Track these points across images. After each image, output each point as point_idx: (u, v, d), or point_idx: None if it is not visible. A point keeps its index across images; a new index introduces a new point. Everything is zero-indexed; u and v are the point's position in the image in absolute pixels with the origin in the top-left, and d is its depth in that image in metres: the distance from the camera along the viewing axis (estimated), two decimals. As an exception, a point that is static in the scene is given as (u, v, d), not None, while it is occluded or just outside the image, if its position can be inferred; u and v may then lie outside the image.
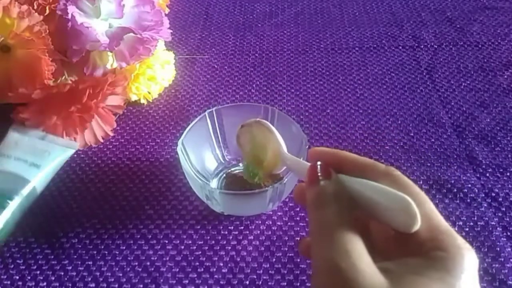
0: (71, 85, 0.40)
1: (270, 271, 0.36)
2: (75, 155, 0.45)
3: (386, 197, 0.23)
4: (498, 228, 0.39)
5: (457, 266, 0.21)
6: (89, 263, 0.37)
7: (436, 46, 0.60)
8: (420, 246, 0.22)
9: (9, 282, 0.36)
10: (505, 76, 0.56)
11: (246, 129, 0.36)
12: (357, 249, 0.21)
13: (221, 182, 0.42)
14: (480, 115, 0.50)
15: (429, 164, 0.45)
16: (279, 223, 0.40)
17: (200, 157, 0.41)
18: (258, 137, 0.35)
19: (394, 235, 0.23)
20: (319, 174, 0.25)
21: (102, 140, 0.44)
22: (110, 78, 0.42)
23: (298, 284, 0.36)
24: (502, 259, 0.37)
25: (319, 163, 0.26)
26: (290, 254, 0.37)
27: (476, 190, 0.42)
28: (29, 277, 0.36)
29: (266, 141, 0.34)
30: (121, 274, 0.36)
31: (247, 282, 0.36)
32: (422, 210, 0.22)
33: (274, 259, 0.37)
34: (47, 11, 0.45)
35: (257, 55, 0.59)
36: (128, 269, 0.36)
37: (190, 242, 0.38)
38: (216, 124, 0.41)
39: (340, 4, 0.69)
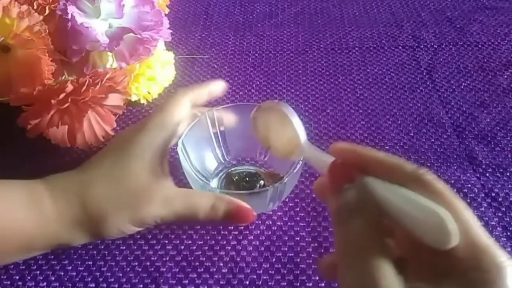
0: (72, 81, 0.40)
1: (270, 271, 0.36)
2: (75, 155, 0.45)
3: (416, 209, 0.21)
4: (498, 228, 0.39)
5: None
6: (89, 263, 0.37)
7: (436, 46, 0.60)
8: (457, 265, 0.20)
9: (9, 282, 0.36)
10: (505, 76, 0.56)
11: (263, 112, 0.34)
12: (387, 276, 0.20)
13: (221, 182, 0.42)
14: (480, 115, 0.51)
15: (429, 164, 0.45)
16: (279, 223, 0.40)
17: (200, 157, 0.41)
18: (273, 122, 0.33)
19: (427, 250, 0.21)
20: (340, 178, 0.23)
21: (102, 140, 0.44)
22: (110, 72, 0.42)
23: (298, 284, 0.36)
24: (502, 259, 0.37)
25: (340, 163, 0.24)
26: (290, 254, 0.37)
27: (476, 190, 0.42)
28: (29, 277, 0.36)
29: (283, 127, 0.32)
30: (121, 274, 0.36)
31: (247, 282, 0.36)
32: (459, 224, 0.20)
33: (274, 259, 0.37)
34: (47, 11, 0.45)
35: (257, 55, 0.59)
36: (128, 269, 0.36)
37: (190, 242, 0.38)
38: (216, 124, 0.41)
39: (340, 4, 0.69)
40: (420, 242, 0.21)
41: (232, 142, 0.42)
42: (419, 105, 0.52)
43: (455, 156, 0.46)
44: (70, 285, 0.36)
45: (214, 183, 0.41)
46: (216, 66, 0.57)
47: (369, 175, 0.23)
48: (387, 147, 0.47)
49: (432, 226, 0.20)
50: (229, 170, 0.43)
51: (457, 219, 0.20)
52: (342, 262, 0.21)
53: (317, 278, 0.36)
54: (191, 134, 0.39)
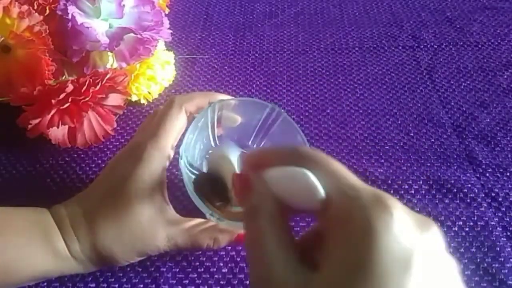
0: (72, 81, 0.40)
1: (270, 271, 0.36)
2: (75, 155, 0.45)
3: (290, 181, 0.23)
4: (498, 228, 0.39)
5: (361, 241, 0.19)
6: (89, 263, 0.37)
7: (436, 46, 0.60)
8: (335, 224, 0.21)
9: (9, 282, 0.36)
10: (505, 76, 0.56)
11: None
12: (281, 267, 0.21)
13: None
14: (480, 115, 0.51)
15: (429, 164, 0.45)
16: (279, 223, 0.40)
17: (193, 152, 0.38)
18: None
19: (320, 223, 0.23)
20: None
21: (102, 139, 0.44)
22: (110, 72, 0.42)
23: (298, 284, 0.36)
24: (502, 259, 0.37)
25: (237, 174, 0.26)
26: (290, 254, 0.37)
27: (476, 190, 0.42)
28: (29, 277, 0.36)
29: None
30: (121, 274, 0.36)
31: (247, 282, 0.36)
32: (328, 178, 0.22)
33: (274, 259, 0.37)
34: (47, 11, 0.45)
35: (257, 55, 0.59)
36: (129, 268, 0.36)
37: (190, 242, 0.38)
38: (215, 121, 0.38)
39: (340, 4, 0.69)
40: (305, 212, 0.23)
41: (226, 129, 0.39)
42: (419, 105, 0.52)
43: (455, 156, 0.46)
44: (70, 285, 0.36)
45: (203, 170, 0.38)
46: (216, 66, 0.57)
47: (267, 171, 0.25)
48: (387, 147, 0.47)
49: (302, 188, 0.22)
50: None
51: (326, 175, 0.22)
52: (247, 253, 0.24)
53: (317, 278, 0.36)
54: (190, 140, 0.36)
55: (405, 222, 0.19)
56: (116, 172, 0.34)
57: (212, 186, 0.34)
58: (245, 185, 0.25)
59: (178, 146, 0.35)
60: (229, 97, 0.38)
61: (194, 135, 0.36)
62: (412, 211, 0.21)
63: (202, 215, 0.33)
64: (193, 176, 0.36)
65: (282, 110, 0.36)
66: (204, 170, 0.37)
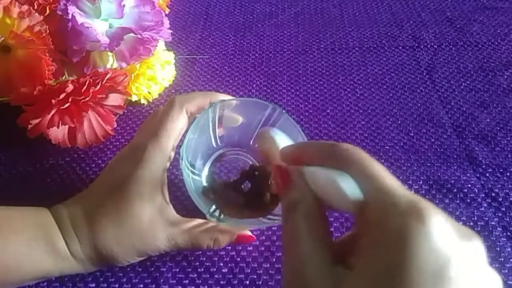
0: (72, 81, 0.40)
1: (270, 271, 0.36)
2: (75, 155, 0.45)
3: (327, 182, 0.23)
4: (498, 228, 0.39)
5: (394, 252, 0.19)
6: (90, 263, 0.37)
7: (436, 46, 0.61)
8: (370, 228, 0.21)
9: (9, 282, 0.36)
10: (505, 76, 0.56)
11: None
12: (313, 263, 0.21)
13: (211, 169, 0.39)
14: (480, 115, 0.51)
15: (429, 164, 0.45)
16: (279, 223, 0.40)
17: (195, 153, 0.37)
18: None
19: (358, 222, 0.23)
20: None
21: (103, 139, 0.44)
22: (110, 72, 0.42)
23: (298, 284, 0.36)
24: (502, 259, 0.37)
25: (279, 167, 0.26)
26: (290, 254, 0.37)
27: (476, 190, 0.42)
28: (29, 277, 0.36)
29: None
30: (121, 274, 0.36)
31: (247, 282, 0.36)
32: (366, 182, 0.22)
33: (274, 259, 0.37)
34: (48, 11, 0.45)
35: (257, 55, 0.59)
36: (129, 268, 0.36)
37: (190, 242, 0.38)
38: (216, 119, 0.38)
39: (340, 4, 0.69)
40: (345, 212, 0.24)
41: (227, 129, 0.39)
42: (419, 105, 0.52)
43: (455, 156, 0.46)
44: (70, 285, 0.36)
45: (205, 170, 0.38)
46: (216, 66, 0.57)
47: (306, 168, 0.25)
48: (387, 147, 0.47)
49: (336, 191, 0.22)
50: (221, 156, 0.39)
51: (364, 176, 0.22)
52: (283, 255, 0.24)
53: (317, 278, 0.36)
54: (191, 140, 0.35)
55: (443, 231, 0.19)
56: (117, 172, 0.34)
57: (226, 188, 0.34)
58: (285, 178, 0.25)
59: (178, 146, 0.35)
60: (230, 97, 0.37)
61: (195, 135, 0.36)
62: (454, 220, 0.20)
63: (202, 216, 0.33)
64: (196, 177, 0.36)
65: (284, 111, 0.36)
66: (206, 170, 0.38)
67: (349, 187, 0.22)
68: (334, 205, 0.24)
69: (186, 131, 0.35)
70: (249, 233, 0.36)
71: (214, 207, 0.33)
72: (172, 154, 0.35)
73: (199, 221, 0.35)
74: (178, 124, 0.35)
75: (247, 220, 0.33)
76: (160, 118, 0.35)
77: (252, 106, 0.38)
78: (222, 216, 0.33)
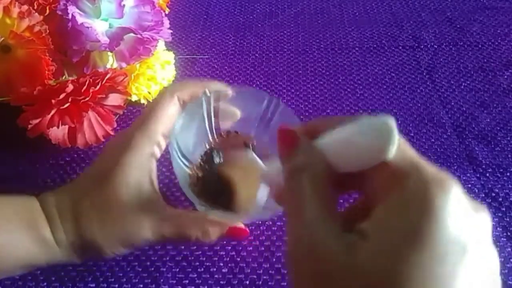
0: (72, 81, 0.40)
1: (270, 271, 0.36)
2: (75, 155, 0.45)
3: (357, 128, 0.21)
4: (498, 228, 0.39)
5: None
6: (90, 263, 0.37)
7: (436, 46, 0.60)
8: (398, 178, 0.20)
9: (9, 282, 0.36)
10: (505, 76, 0.56)
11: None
12: (324, 230, 0.20)
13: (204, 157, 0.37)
14: (480, 115, 0.51)
15: (429, 164, 0.45)
16: (279, 223, 0.40)
17: (186, 143, 0.36)
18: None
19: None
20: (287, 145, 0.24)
21: (103, 139, 0.44)
22: (110, 72, 0.42)
23: (298, 284, 0.36)
24: (502, 259, 0.37)
25: (286, 128, 0.24)
26: (290, 254, 0.37)
27: (476, 190, 0.42)
28: (29, 277, 0.36)
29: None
30: (121, 274, 0.36)
31: (247, 282, 0.36)
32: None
33: (274, 259, 0.37)
34: (47, 11, 0.45)
35: (257, 55, 0.59)
36: (129, 269, 0.36)
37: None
38: (212, 111, 0.36)
39: (340, 4, 0.69)
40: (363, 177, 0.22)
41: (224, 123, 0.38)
42: (419, 105, 0.52)
43: (455, 156, 0.46)
44: (70, 285, 0.36)
45: (197, 162, 0.36)
46: (216, 66, 0.57)
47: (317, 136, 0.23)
48: (387, 147, 0.47)
49: (374, 136, 0.21)
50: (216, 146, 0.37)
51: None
52: (287, 222, 0.22)
53: (317, 278, 0.36)
54: (183, 127, 0.34)
55: (465, 205, 0.19)
56: (104, 161, 0.33)
57: (217, 186, 0.33)
58: (290, 141, 0.23)
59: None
60: (224, 86, 0.36)
61: (188, 124, 0.34)
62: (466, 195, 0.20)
63: (195, 208, 0.33)
64: (186, 168, 0.34)
65: (280, 100, 0.35)
66: (198, 161, 0.36)
67: (394, 125, 0.21)
68: (353, 164, 0.22)
69: (178, 119, 0.34)
70: (242, 226, 0.34)
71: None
72: (162, 141, 0.33)
73: (188, 211, 0.34)
74: (167, 110, 0.33)
75: (233, 212, 0.32)
76: (149, 106, 0.34)
77: (249, 96, 0.36)
78: (211, 206, 0.32)
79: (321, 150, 0.22)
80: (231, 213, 0.32)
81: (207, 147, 0.37)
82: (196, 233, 0.32)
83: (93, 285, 0.36)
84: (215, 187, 0.34)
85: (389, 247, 0.18)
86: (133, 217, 0.31)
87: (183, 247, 0.38)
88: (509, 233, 0.39)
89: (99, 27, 0.43)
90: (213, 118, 0.36)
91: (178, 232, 0.32)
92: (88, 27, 0.42)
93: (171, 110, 0.33)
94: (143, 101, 0.51)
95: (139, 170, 0.31)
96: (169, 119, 0.33)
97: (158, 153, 0.33)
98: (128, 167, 0.31)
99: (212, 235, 0.33)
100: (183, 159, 0.34)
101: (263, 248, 0.38)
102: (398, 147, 0.21)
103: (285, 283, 0.36)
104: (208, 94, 0.34)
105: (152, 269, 0.37)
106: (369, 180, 0.22)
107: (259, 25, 0.65)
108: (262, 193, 0.32)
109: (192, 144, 0.36)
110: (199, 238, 0.32)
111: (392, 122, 0.21)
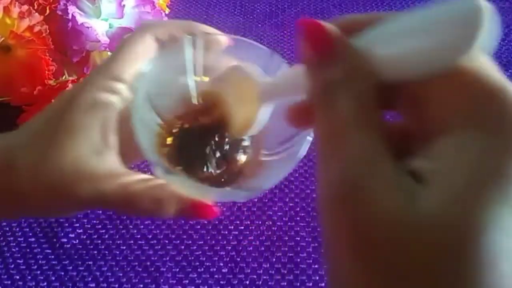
0: (72, 81, 0.40)
1: (270, 271, 0.36)
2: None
3: (421, 18, 0.16)
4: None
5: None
6: (90, 263, 0.37)
7: (436, 46, 0.60)
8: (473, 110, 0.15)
9: (9, 282, 0.36)
10: (505, 76, 0.56)
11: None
12: (374, 161, 0.15)
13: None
14: (480, 115, 0.50)
15: (429, 164, 0.45)
16: (279, 223, 0.40)
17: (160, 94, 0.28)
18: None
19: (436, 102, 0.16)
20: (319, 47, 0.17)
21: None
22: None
23: (298, 284, 0.36)
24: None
25: (316, 24, 0.17)
26: (290, 254, 0.37)
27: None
28: (29, 277, 0.36)
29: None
30: (121, 274, 0.36)
31: (247, 282, 0.36)
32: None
33: (274, 259, 0.37)
34: (48, 11, 0.45)
35: (257, 55, 0.59)
36: (129, 269, 0.37)
37: (190, 242, 0.38)
38: (197, 60, 0.28)
39: (340, 4, 0.69)
40: (427, 92, 0.16)
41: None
42: (419, 105, 0.52)
43: (455, 156, 0.46)
44: (70, 285, 0.36)
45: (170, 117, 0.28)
46: (216, 66, 0.57)
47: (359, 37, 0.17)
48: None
49: (456, 22, 0.16)
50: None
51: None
52: (319, 155, 0.16)
53: (317, 278, 0.36)
54: (154, 72, 0.26)
55: None
56: (55, 104, 0.27)
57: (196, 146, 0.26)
58: (321, 41, 0.17)
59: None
60: (215, 30, 0.29)
61: (163, 70, 0.27)
62: None
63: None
64: (152, 123, 0.27)
65: (281, 58, 0.28)
66: (172, 117, 0.28)
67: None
68: (407, 72, 0.16)
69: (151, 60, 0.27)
70: (208, 203, 0.26)
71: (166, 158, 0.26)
72: (128, 78, 0.26)
73: (144, 176, 0.26)
74: (137, 47, 0.27)
75: (208, 185, 0.26)
76: (119, 47, 0.27)
77: (247, 49, 0.30)
78: (175, 169, 0.25)
79: (367, 54, 0.17)
80: (202, 185, 0.26)
81: (186, 106, 0.28)
82: (147, 204, 0.25)
83: (93, 285, 0.36)
84: (192, 151, 0.27)
85: (468, 196, 0.13)
86: (72, 170, 0.25)
87: (183, 247, 0.38)
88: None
89: (99, 27, 0.43)
90: (199, 70, 0.28)
91: (124, 198, 0.25)
92: (88, 27, 0.42)
93: (140, 46, 0.27)
94: (143, 101, 0.51)
95: (92, 113, 0.25)
96: (138, 56, 0.27)
97: (122, 92, 0.26)
98: (77, 106, 0.25)
99: (168, 208, 0.26)
100: (149, 113, 0.27)
101: (263, 248, 0.38)
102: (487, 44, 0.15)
103: (285, 283, 0.36)
104: (195, 38, 0.27)
105: (152, 269, 0.37)
106: (426, 98, 0.16)
107: (259, 25, 0.65)
108: (264, 114, 0.25)
109: (165, 97, 0.28)
110: (151, 210, 0.26)
111: (481, 1, 0.14)
